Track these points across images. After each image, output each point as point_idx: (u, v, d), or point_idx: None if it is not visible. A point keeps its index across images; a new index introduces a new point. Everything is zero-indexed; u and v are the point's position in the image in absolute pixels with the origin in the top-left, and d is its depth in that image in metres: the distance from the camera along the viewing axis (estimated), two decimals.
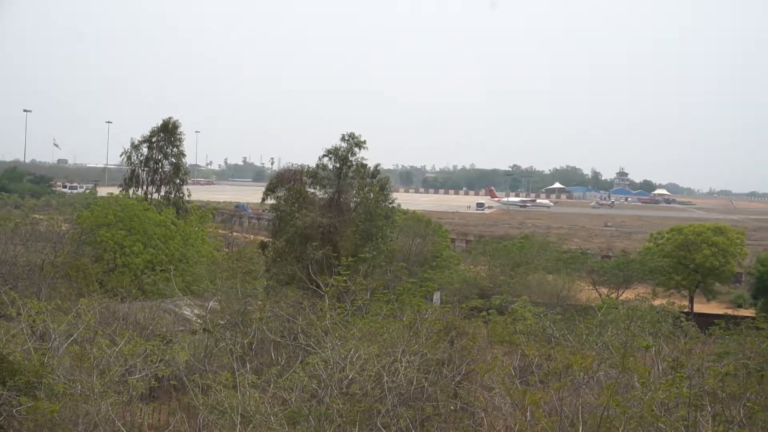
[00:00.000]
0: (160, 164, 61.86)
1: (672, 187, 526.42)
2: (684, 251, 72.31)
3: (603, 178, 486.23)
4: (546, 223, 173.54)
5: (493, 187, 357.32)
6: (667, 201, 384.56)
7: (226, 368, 18.82)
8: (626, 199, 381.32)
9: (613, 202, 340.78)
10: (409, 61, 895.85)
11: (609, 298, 55.27)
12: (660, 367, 19.66)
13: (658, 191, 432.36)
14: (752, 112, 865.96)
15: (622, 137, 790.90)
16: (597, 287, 69.18)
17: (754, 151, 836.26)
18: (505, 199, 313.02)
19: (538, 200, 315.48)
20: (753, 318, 33.33)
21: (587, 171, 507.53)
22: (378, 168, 45.58)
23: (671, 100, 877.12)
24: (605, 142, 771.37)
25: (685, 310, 60.28)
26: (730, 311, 63.79)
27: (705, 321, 40.35)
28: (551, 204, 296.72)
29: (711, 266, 71.01)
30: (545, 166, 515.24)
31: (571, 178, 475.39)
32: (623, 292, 65.75)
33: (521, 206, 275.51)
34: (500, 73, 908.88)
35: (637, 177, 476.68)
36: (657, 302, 42.75)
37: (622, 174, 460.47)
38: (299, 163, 47.34)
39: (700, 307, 71.76)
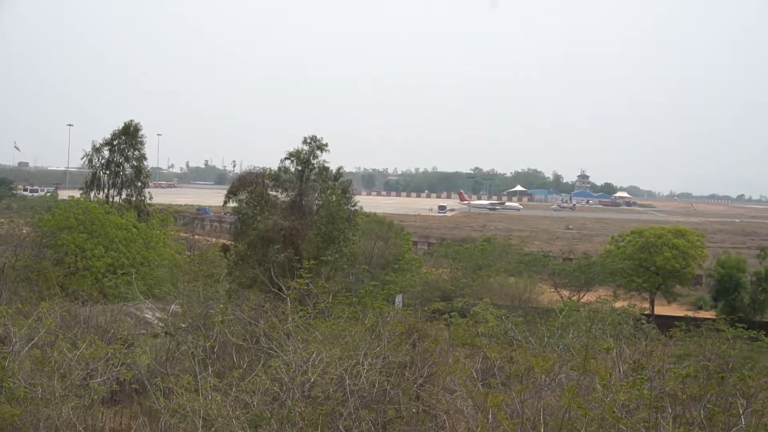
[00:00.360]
0: (121, 167, 61.52)
1: (633, 190, 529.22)
2: (645, 254, 72.76)
3: (564, 181, 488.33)
4: (507, 226, 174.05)
5: (462, 190, 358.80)
6: (628, 204, 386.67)
7: (187, 372, 18.75)
8: (587, 202, 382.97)
9: (574, 204, 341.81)
10: (370, 62, 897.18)
11: (570, 301, 55.64)
12: (621, 369, 19.73)
13: (619, 194, 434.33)
14: (712, 115, 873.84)
15: (583, 140, 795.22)
16: (558, 290, 69.39)
17: (714, 154, 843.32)
18: (475, 201, 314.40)
19: (507, 203, 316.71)
20: (713, 320, 33.57)
21: (549, 174, 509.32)
22: (340, 171, 45.62)
23: (632, 103, 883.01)
24: (567, 145, 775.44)
25: (646, 312, 60.67)
26: (690, 313, 64.23)
27: (666, 323, 40.62)
28: (521, 207, 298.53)
29: (671, 269, 71.47)
30: (507, 169, 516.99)
31: (532, 180, 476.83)
32: (584, 295, 65.98)
33: (491, 209, 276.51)
34: (460, 76, 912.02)
35: (598, 180, 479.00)
36: (618, 304, 43.05)
37: (583, 177, 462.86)
38: (261, 166, 47.22)
39: (661, 310, 72.23)
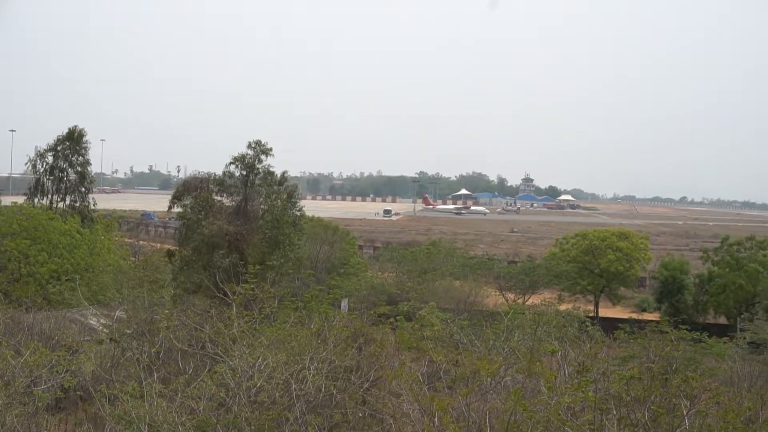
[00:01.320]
0: (65, 173, 61.02)
1: (577, 193, 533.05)
2: (589, 256, 73.42)
3: (509, 184, 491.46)
4: (453, 229, 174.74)
5: (427, 195, 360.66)
6: (572, 206, 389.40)
7: (133, 378, 18.64)
8: (532, 205, 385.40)
9: (518, 208, 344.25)
10: (313, 65, 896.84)
11: (516, 303, 55.95)
12: (566, 372, 19.84)
13: (563, 197, 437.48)
14: (654, 118, 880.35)
15: (528, 144, 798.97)
16: (504, 292, 69.75)
17: (657, 157, 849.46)
18: (440, 206, 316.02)
19: (473, 207, 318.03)
20: (657, 322, 33.76)
21: (493, 177, 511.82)
22: (285, 175, 45.56)
23: (575, 107, 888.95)
24: (511, 148, 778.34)
25: (591, 314, 61.07)
26: (634, 315, 64.63)
27: (610, 325, 40.85)
28: (487, 211, 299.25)
29: (616, 271, 72.14)
30: (452, 173, 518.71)
31: (477, 184, 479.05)
32: (530, 297, 66.41)
33: (456, 213, 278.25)
34: (405, 76, 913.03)
35: (542, 183, 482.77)
36: (563, 307, 43.35)
37: (527, 180, 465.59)
38: (206, 171, 47.05)
39: (606, 312, 72.82)
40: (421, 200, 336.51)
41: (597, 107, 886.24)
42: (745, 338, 40.34)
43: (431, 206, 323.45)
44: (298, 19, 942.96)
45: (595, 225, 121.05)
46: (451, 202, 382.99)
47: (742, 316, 55.99)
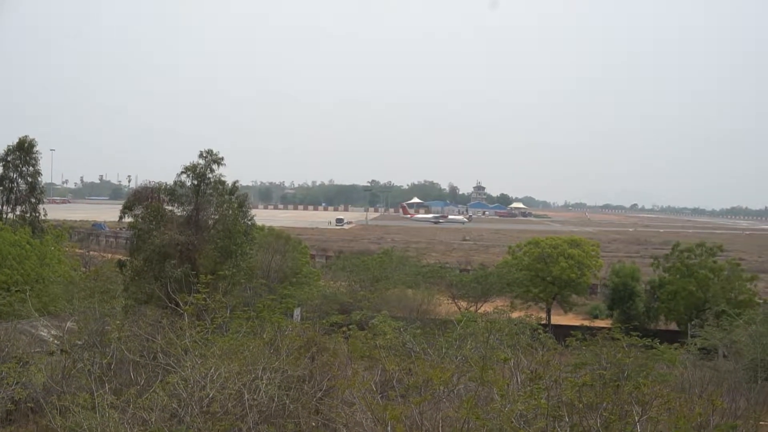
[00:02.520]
0: (15, 183, 60.50)
1: (528, 201, 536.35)
2: (541, 264, 73.54)
3: (460, 192, 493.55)
4: (405, 238, 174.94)
5: (405, 204, 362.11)
6: (524, 214, 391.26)
7: (84, 389, 18.51)
8: (484, 213, 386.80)
9: (470, 215, 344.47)
10: (266, 74, 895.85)
11: (468, 312, 55.80)
12: (519, 379, 19.89)
13: (514, 205, 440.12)
14: (605, 127, 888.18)
15: (479, 152, 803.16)
16: (456, 301, 69.74)
17: (608, 165, 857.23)
18: (418, 215, 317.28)
19: (450, 216, 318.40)
20: (608, 329, 33.95)
21: (445, 185, 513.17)
22: (236, 184, 45.40)
23: (525, 116, 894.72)
24: (463, 156, 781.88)
25: (543, 321, 61.16)
26: (586, 322, 65.06)
27: (562, 332, 41.05)
28: (465, 219, 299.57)
29: (567, 278, 72.31)
30: (403, 181, 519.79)
31: (429, 192, 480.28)
32: (482, 305, 66.35)
33: (434, 222, 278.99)
34: (358, 90, 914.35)
35: (494, 191, 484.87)
36: (515, 314, 43.30)
37: (479, 188, 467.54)
38: (157, 181, 46.83)
39: (558, 319, 73.00)
40: (376, 209, 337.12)
41: (548, 116, 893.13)
42: (695, 344, 40.57)
43: (409, 215, 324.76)
44: (247, 30, 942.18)
45: (546, 232, 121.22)
46: (414, 211, 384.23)
47: (692, 323, 56.41)
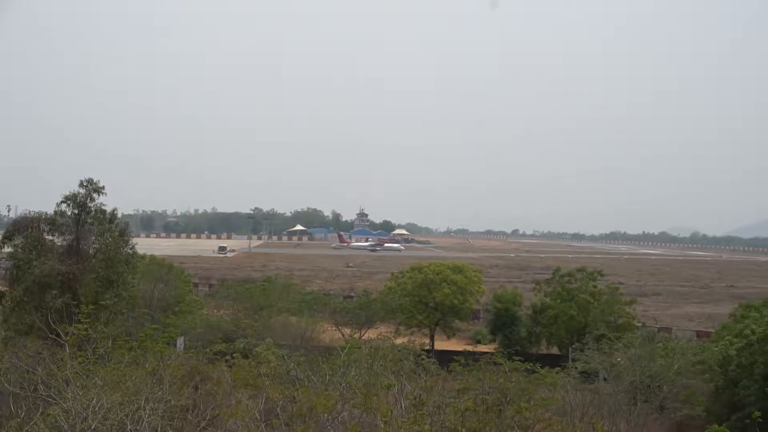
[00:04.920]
0: None
1: (411, 227, 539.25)
2: (424, 290, 73.86)
3: (344, 219, 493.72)
4: (288, 265, 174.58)
5: (341, 233, 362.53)
6: (407, 240, 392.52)
7: None
8: (367, 240, 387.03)
9: (352, 243, 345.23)
10: (139, 98, 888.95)
11: (352, 338, 55.89)
12: (403, 405, 20.01)
13: (397, 231, 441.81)
14: (486, 154, 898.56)
15: (362, 179, 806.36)
16: (340, 327, 69.78)
17: (490, 191, 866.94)
18: (355, 243, 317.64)
19: (387, 244, 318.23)
20: (491, 353, 34.27)
21: (328, 213, 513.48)
22: (115, 212, 44.90)
23: (406, 144, 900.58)
24: (346, 184, 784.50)
25: (426, 347, 61.49)
26: (469, 347, 65.33)
27: (445, 358, 41.19)
28: (402, 248, 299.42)
29: (450, 304, 72.76)
30: (287, 209, 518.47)
31: (312, 219, 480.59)
32: (366, 332, 66.55)
33: (371, 250, 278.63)
34: (238, 115, 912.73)
35: (377, 218, 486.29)
36: (399, 341, 43.50)
37: (362, 215, 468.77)
38: (37, 210, 46.12)
39: (441, 344, 73.35)
40: (259, 236, 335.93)
41: (428, 146, 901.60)
42: (576, 368, 41.01)
43: (346, 243, 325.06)
44: (128, 56, 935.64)
45: (430, 258, 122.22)
46: (286, 238, 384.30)
47: (573, 346, 57.11)
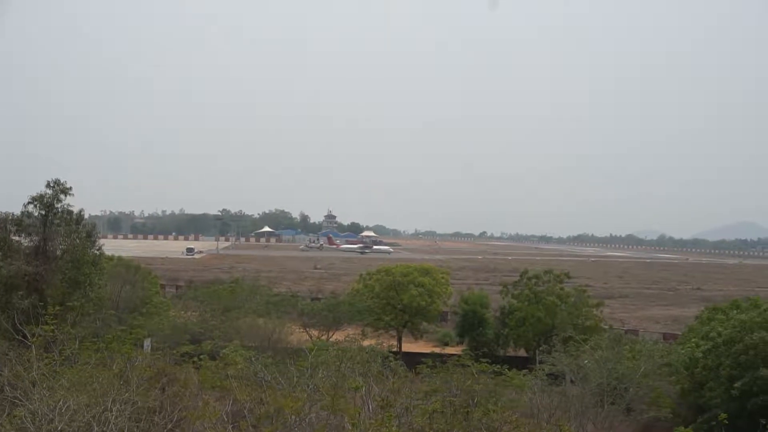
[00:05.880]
0: None
1: (379, 229, 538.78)
2: (392, 292, 73.87)
3: (312, 221, 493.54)
4: (256, 267, 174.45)
5: (331, 235, 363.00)
6: (375, 242, 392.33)
7: None
8: (357, 243, 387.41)
9: (321, 244, 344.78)
10: (110, 105, 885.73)
11: (320, 340, 55.87)
12: (370, 407, 20.05)
13: (365, 233, 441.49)
14: (454, 156, 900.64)
15: (330, 181, 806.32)
16: (308, 329, 69.61)
17: (457, 194, 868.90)
18: (344, 246, 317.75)
19: (375, 246, 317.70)
20: (459, 356, 34.33)
21: (296, 214, 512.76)
22: (82, 213, 44.71)
23: (376, 145, 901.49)
24: (313, 186, 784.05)
25: (394, 349, 61.58)
26: (437, 349, 65.33)
27: (413, 360, 41.24)
28: (391, 250, 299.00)
29: (418, 306, 72.84)
30: (255, 210, 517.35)
31: (280, 221, 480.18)
32: (333, 334, 66.43)
33: (360, 253, 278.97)
34: (203, 115, 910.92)
35: (344, 219, 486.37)
36: (366, 342, 43.46)
37: (330, 217, 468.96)
38: (4, 211, 45.87)
39: (409, 346, 73.44)
40: (227, 238, 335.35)
41: (396, 148, 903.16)
42: (543, 370, 41.15)
43: (335, 246, 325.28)
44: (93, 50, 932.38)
45: (397, 261, 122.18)
46: (254, 239, 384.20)
47: (540, 348, 57.19)
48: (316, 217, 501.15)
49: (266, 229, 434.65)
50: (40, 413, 16.94)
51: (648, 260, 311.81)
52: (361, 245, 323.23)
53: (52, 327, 23.81)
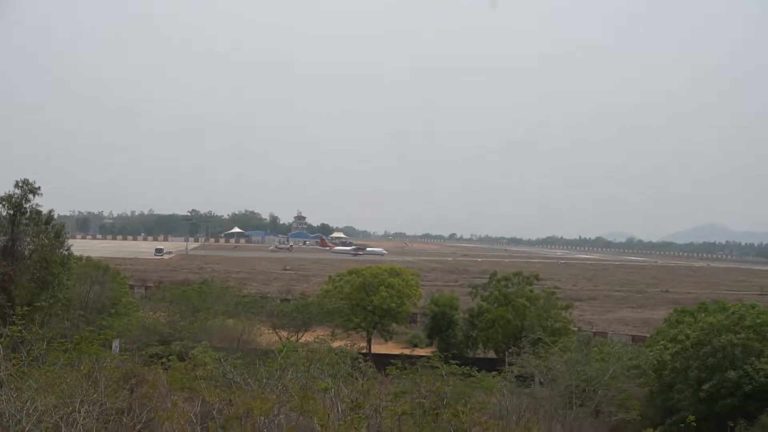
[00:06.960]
0: None
1: (349, 230, 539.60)
2: (362, 293, 73.97)
3: (281, 222, 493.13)
4: (225, 268, 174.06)
5: (324, 237, 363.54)
6: (345, 243, 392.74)
7: None
8: (304, 243, 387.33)
9: (291, 245, 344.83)
10: (77, 103, 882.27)
11: (289, 341, 55.79)
12: (339, 409, 19.99)
13: (335, 234, 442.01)
14: (426, 159, 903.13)
15: (300, 182, 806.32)
16: (277, 330, 69.49)
17: (427, 196, 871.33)
18: (338, 248, 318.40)
19: (368, 248, 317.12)
20: (428, 357, 34.35)
21: (266, 215, 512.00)
22: (51, 213, 44.58)
23: (345, 147, 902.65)
24: (283, 186, 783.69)
25: (364, 350, 61.58)
26: (406, 351, 65.45)
27: (383, 361, 41.25)
28: (385, 252, 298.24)
29: (388, 307, 73.03)
30: (224, 211, 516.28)
31: (249, 222, 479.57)
32: (303, 335, 66.34)
33: (353, 255, 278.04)
34: (176, 115, 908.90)
35: (314, 221, 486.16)
36: (336, 344, 43.44)
37: (300, 218, 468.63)
38: None
39: (378, 348, 73.56)
40: (196, 239, 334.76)
41: (368, 148, 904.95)
42: (513, 372, 41.26)
43: (328, 248, 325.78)
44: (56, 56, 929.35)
45: (367, 262, 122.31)
46: (223, 240, 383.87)
47: (510, 350, 57.29)
48: (286, 218, 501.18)
49: (236, 230, 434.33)
50: (7, 414, 16.81)
51: (617, 262, 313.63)
52: (354, 247, 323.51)
53: (19, 327, 23.63)
